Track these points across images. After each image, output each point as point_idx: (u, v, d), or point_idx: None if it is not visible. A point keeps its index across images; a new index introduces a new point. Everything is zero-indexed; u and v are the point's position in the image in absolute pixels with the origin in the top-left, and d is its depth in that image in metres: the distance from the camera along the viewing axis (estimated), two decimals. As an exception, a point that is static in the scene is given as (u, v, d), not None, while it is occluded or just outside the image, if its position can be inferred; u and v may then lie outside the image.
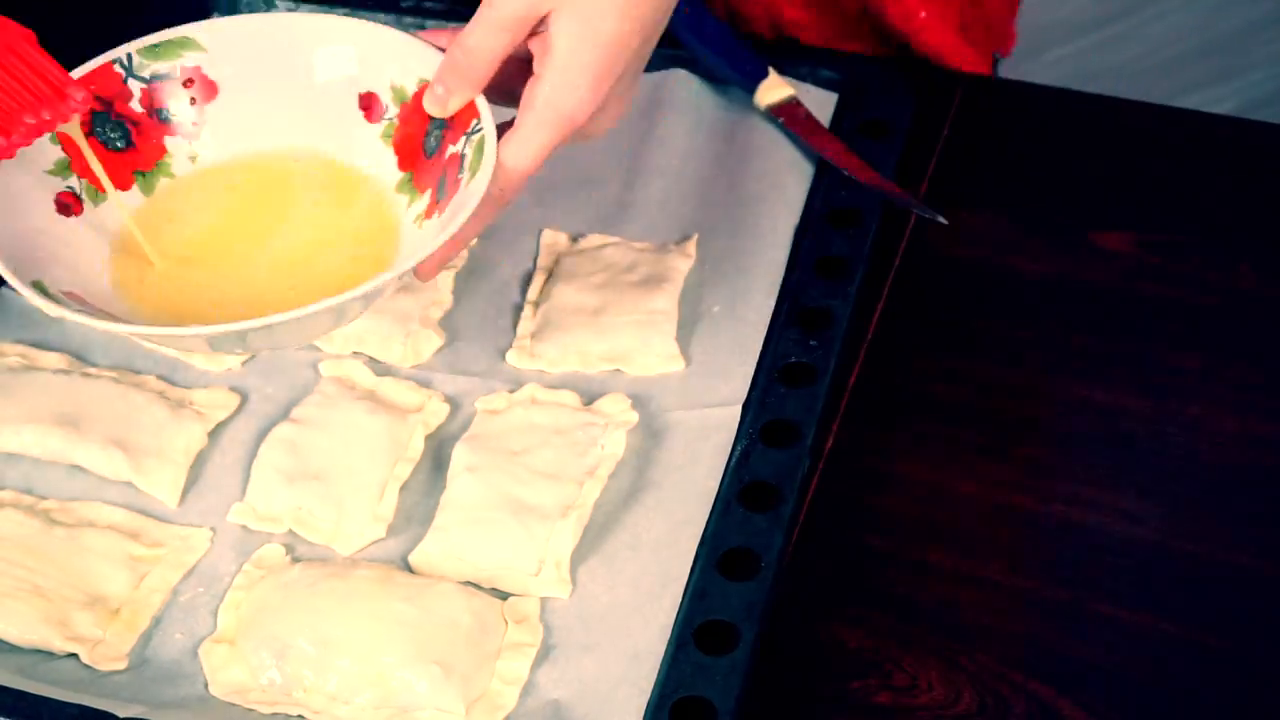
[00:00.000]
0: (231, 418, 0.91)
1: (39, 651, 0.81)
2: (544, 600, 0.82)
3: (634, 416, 0.89)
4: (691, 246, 0.97)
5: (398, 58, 0.87)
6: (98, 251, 0.85)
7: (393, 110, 0.87)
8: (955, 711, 0.79)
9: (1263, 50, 2.25)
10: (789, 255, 0.96)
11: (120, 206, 0.86)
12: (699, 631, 0.78)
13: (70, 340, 0.94)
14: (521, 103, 0.82)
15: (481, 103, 0.83)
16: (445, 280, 0.97)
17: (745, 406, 0.88)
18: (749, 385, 0.89)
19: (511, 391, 0.91)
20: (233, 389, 0.92)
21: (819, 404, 0.87)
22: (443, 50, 0.84)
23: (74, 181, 0.85)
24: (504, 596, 0.82)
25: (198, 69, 0.88)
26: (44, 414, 0.88)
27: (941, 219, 0.95)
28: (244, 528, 0.86)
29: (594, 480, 0.85)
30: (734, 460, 0.86)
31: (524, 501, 0.84)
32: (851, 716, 0.79)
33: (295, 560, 0.84)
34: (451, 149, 0.84)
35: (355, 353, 0.93)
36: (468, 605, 0.80)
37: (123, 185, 0.87)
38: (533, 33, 0.81)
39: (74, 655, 0.80)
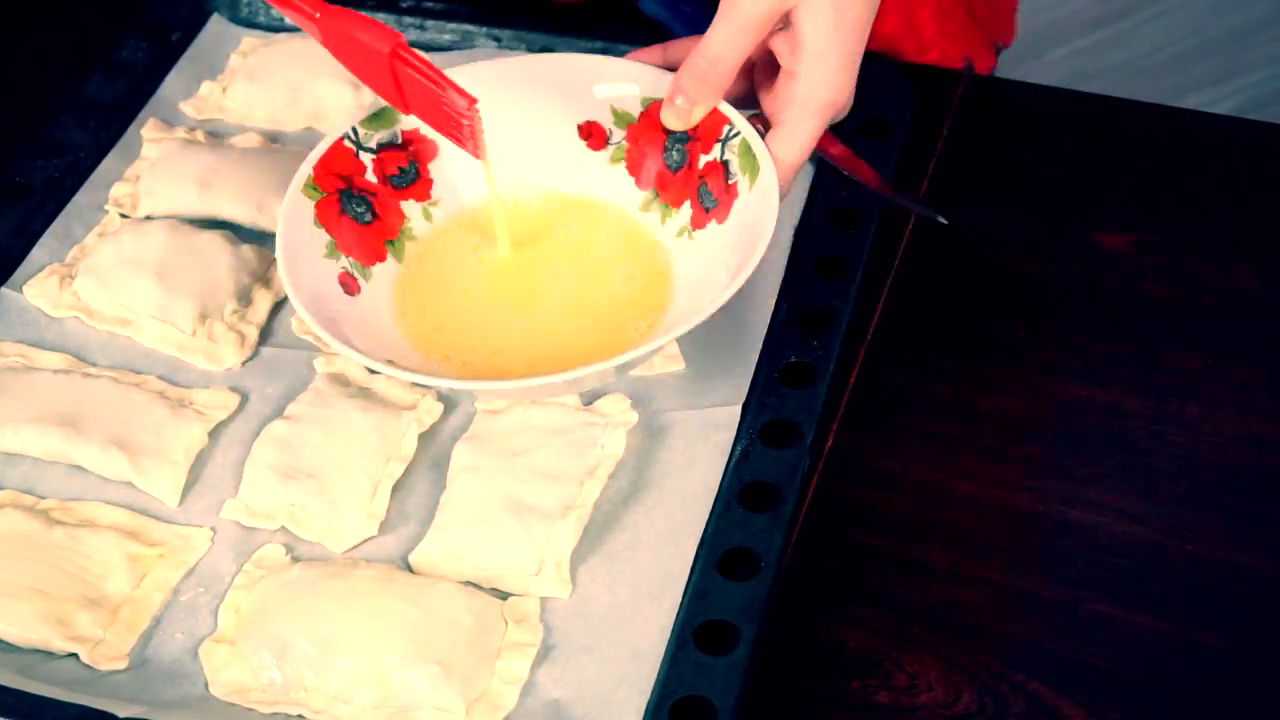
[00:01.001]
0: (231, 418, 0.91)
1: (39, 651, 0.81)
2: (544, 600, 0.82)
3: (634, 416, 0.89)
4: (691, 246, 0.98)
5: (610, 83, 0.90)
6: (384, 318, 0.87)
7: (618, 134, 0.90)
8: (955, 711, 0.79)
9: (1263, 50, 2.25)
10: (789, 255, 0.96)
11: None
12: (699, 631, 0.78)
13: (70, 340, 0.94)
14: (777, 98, 0.85)
15: (726, 108, 0.87)
16: (445, 280, 0.97)
17: (745, 406, 0.88)
18: (749, 385, 0.89)
19: (511, 391, 0.91)
20: (233, 389, 0.92)
21: (819, 404, 0.87)
22: (657, 66, 0.89)
23: (345, 262, 0.87)
24: (504, 596, 0.82)
25: (415, 130, 0.90)
26: (44, 414, 0.88)
27: (941, 219, 0.95)
28: (242, 526, 0.85)
29: (594, 480, 0.85)
30: (734, 460, 0.86)
31: (524, 501, 0.84)
32: (851, 716, 0.79)
33: (295, 560, 0.84)
34: (705, 158, 0.88)
35: (355, 353, 0.93)
36: (468, 605, 0.80)
37: (378, 257, 0.89)
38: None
39: (74, 655, 0.80)
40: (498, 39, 1.11)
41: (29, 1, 1.20)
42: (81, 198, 1.02)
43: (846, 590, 0.84)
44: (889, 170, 0.98)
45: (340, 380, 0.91)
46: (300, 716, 0.78)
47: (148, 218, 1.00)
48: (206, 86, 1.09)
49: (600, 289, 0.89)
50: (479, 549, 0.83)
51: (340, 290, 0.86)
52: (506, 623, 0.81)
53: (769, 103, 0.87)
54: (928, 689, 0.80)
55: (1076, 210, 1.01)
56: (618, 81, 0.90)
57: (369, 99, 1.07)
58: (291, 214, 0.86)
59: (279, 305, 0.96)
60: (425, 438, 0.89)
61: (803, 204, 0.99)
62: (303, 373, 0.92)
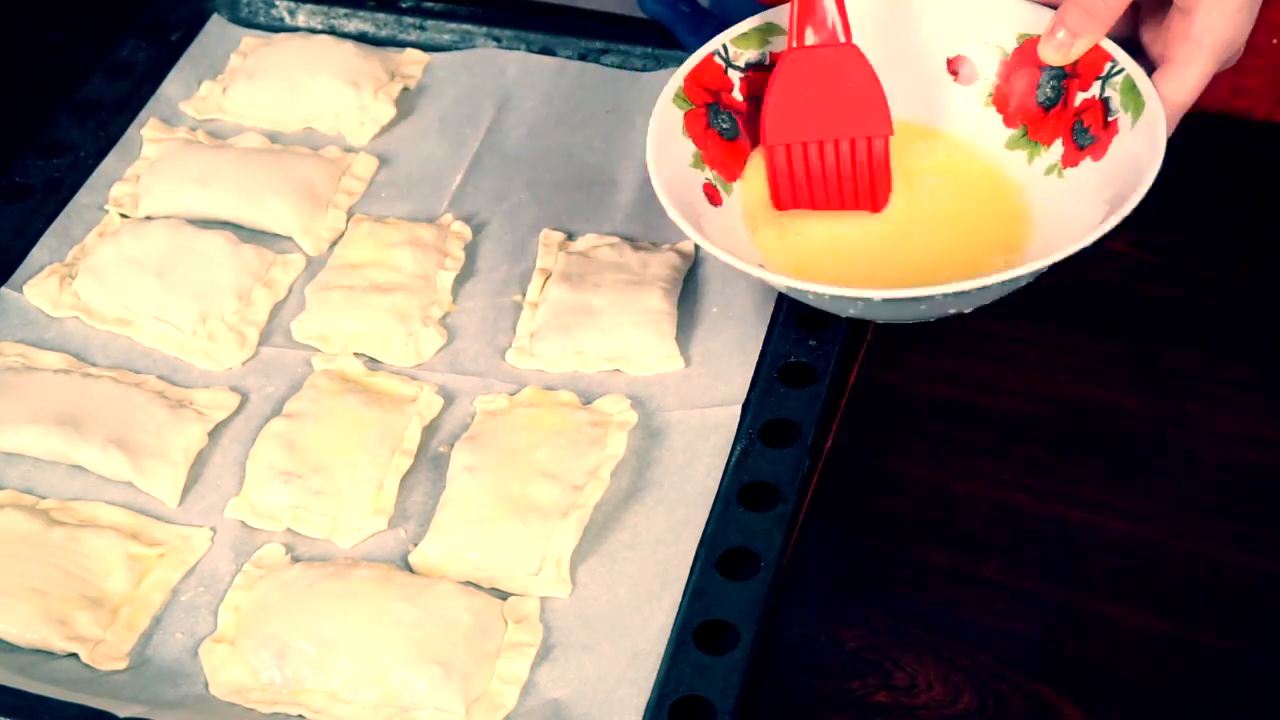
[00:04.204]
0: (231, 417, 0.91)
1: (39, 651, 0.81)
2: (544, 600, 0.82)
3: (633, 416, 0.89)
4: (691, 246, 0.98)
5: (985, 17, 0.88)
6: (739, 230, 0.87)
7: (990, 69, 0.89)
8: (955, 711, 0.79)
9: (1263, 50, 2.24)
10: (789, 255, 0.96)
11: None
12: (699, 631, 0.78)
13: (70, 340, 0.95)
14: (1168, 35, 0.82)
15: (1107, 43, 0.85)
16: (445, 280, 0.97)
17: (745, 406, 0.88)
18: (749, 385, 0.89)
19: (512, 393, 0.91)
20: (233, 389, 0.92)
21: (819, 404, 0.87)
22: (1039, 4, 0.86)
23: (709, 174, 0.86)
24: (504, 596, 0.82)
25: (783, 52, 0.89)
26: (44, 414, 0.88)
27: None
28: (244, 525, 0.85)
29: (595, 481, 0.85)
30: (734, 460, 0.86)
31: (524, 501, 0.84)
32: (851, 716, 0.79)
33: (295, 560, 0.84)
34: (1083, 95, 0.86)
35: (356, 354, 0.93)
36: (468, 605, 0.80)
37: (738, 173, 0.88)
38: None
39: (74, 655, 0.80)
40: (498, 39, 1.11)
41: (29, 1, 1.20)
42: (81, 198, 1.02)
43: (846, 590, 0.84)
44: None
45: (339, 377, 0.91)
46: (300, 716, 0.78)
47: (148, 218, 1.00)
48: (206, 86, 1.09)
49: (956, 224, 0.87)
50: (479, 549, 0.83)
51: (704, 199, 0.86)
52: (506, 623, 0.81)
53: (1155, 41, 0.84)
54: (927, 689, 0.80)
55: (1076, 210, 1.01)
56: (990, 15, 0.88)
57: (369, 99, 1.07)
58: (661, 122, 0.85)
59: (279, 305, 0.96)
60: (425, 436, 0.89)
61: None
62: (302, 373, 0.92)
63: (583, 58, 1.10)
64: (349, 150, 1.05)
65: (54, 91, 1.08)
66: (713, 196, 0.86)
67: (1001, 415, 0.91)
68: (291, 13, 1.14)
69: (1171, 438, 0.89)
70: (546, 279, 0.96)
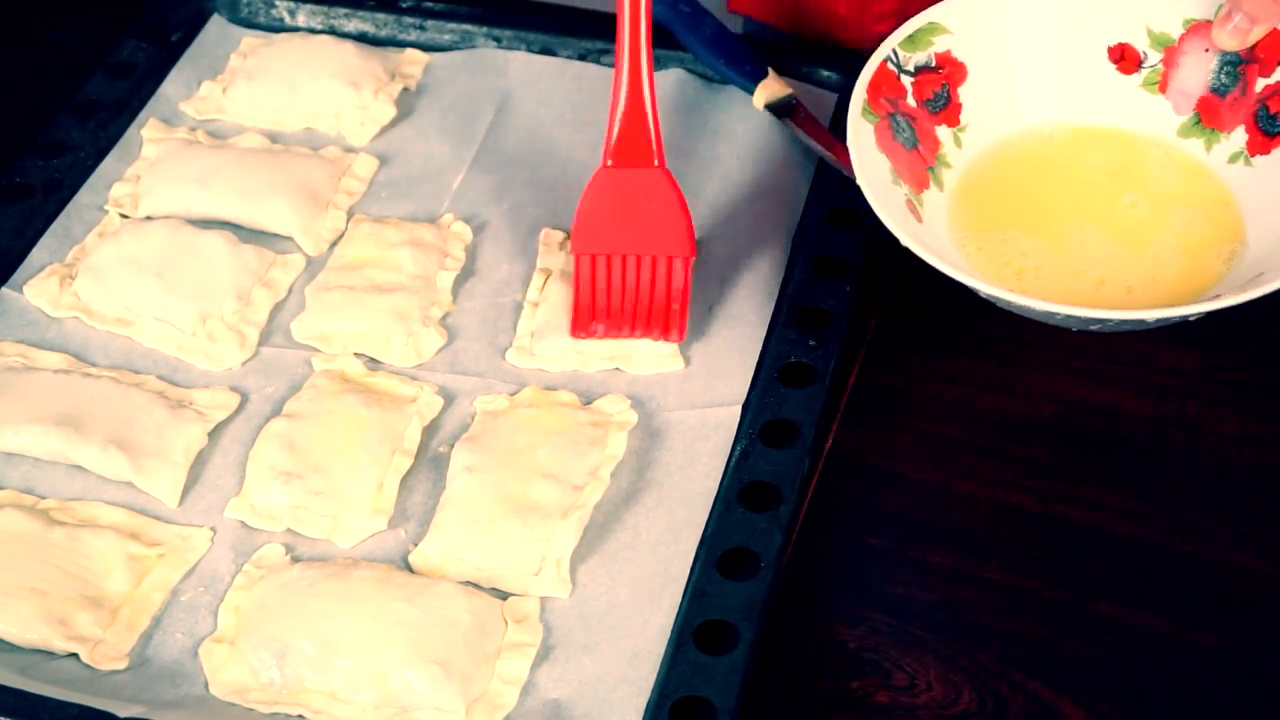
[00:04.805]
0: (231, 418, 0.91)
1: (39, 651, 0.81)
2: (544, 600, 0.82)
3: (633, 416, 0.89)
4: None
5: (1147, 3, 0.87)
6: (946, 246, 0.85)
7: (1154, 56, 0.88)
8: (955, 711, 0.79)
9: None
10: (789, 255, 0.96)
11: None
12: (699, 631, 0.78)
13: (70, 340, 0.95)
14: None
15: None
16: (445, 280, 0.97)
17: (745, 406, 0.88)
18: (749, 385, 0.89)
19: (512, 393, 0.91)
20: (233, 389, 0.92)
21: (819, 404, 0.87)
22: None
23: (905, 190, 0.85)
24: (504, 596, 0.82)
25: (948, 53, 0.88)
26: (44, 414, 0.88)
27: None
28: (244, 525, 0.85)
29: (596, 482, 0.85)
30: (734, 460, 0.86)
31: (524, 501, 0.84)
32: (851, 716, 0.79)
33: (295, 560, 0.84)
34: (1264, 81, 0.85)
35: (356, 354, 0.93)
36: (468, 605, 0.80)
37: (924, 185, 0.86)
38: None
39: (74, 655, 0.80)
40: (498, 39, 1.11)
41: (30, 2, 1.20)
42: (81, 198, 1.02)
43: (846, 590, 0.84)
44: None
45: (339, 377, 0.91)
46: (300, 717, 0.78)
47: (148, 218, 1.00)
48: (206, 86, 1.09)
49: (1164, 217, 0.86)
50: (479, 549, 0.83)
51: (911, 218, 0.83)
52: (506, 623, 0.81)
53: None
54: (927, 689, 0.80)
55: (1076, 210, 1.01)
56: (1153, 1, 0.87)
57: (369, 99, 1.07)
58: (858, 140, 0.83)
59: (279, 305, 0.96)
60: (425, 436, 0.89)
61: (802, 204, 0.99)
62: (302, 373, 0.92)
63: (582, 58, 1.10)
64: (349, 150, 1.05)
65: (54, 91, 1.08)
66: (914, 214, 0.84)
67: (1001, 415, 0.91)
68: (291, 13, 1.14)
69: (1171, 438, 0.89)
70: (546, 279, 0.96)
